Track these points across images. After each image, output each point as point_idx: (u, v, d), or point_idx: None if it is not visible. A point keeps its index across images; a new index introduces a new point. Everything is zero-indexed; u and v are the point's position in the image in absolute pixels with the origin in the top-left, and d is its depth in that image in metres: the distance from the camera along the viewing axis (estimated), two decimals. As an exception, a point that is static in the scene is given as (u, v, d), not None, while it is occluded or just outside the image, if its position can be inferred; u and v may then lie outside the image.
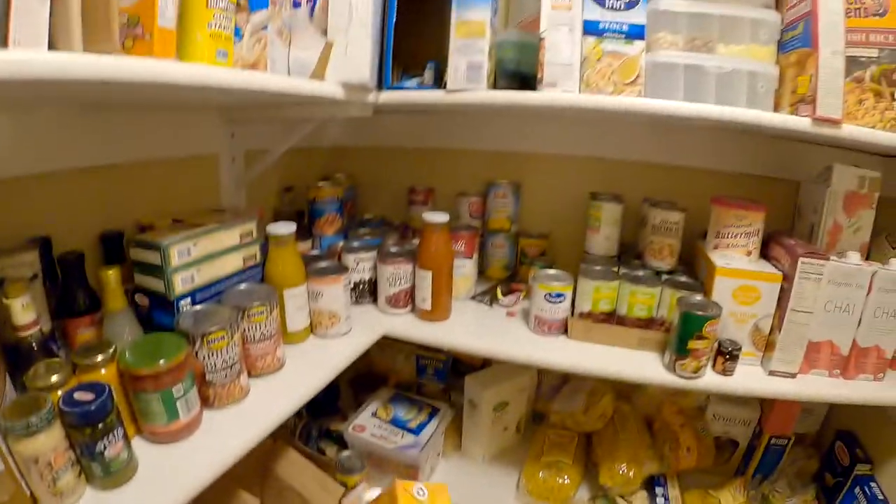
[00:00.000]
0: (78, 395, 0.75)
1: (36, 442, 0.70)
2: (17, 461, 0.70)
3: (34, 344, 0.81)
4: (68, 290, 0.96)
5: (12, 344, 0.81)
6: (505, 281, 1.63)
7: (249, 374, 1.06)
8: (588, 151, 1.62)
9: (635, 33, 1.06)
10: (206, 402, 0.97)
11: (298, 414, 1.56)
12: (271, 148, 1.41)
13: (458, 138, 1.74)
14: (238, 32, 0.89)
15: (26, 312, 0.79)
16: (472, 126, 1.71)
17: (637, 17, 1.06)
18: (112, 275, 0.92)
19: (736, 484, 1.43)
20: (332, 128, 1.80)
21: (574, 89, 1.08)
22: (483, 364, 1.72)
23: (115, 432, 0.77)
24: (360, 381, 1.82)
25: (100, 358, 0.83)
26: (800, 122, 0.98)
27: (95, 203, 1.12)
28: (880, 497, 1.25)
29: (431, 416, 1.56)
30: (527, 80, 1.12)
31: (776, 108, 1.06)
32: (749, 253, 1.23)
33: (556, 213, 1.68)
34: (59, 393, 0.76)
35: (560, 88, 1.07)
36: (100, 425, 0.75)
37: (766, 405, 1.49)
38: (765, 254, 1.26)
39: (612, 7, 1.05)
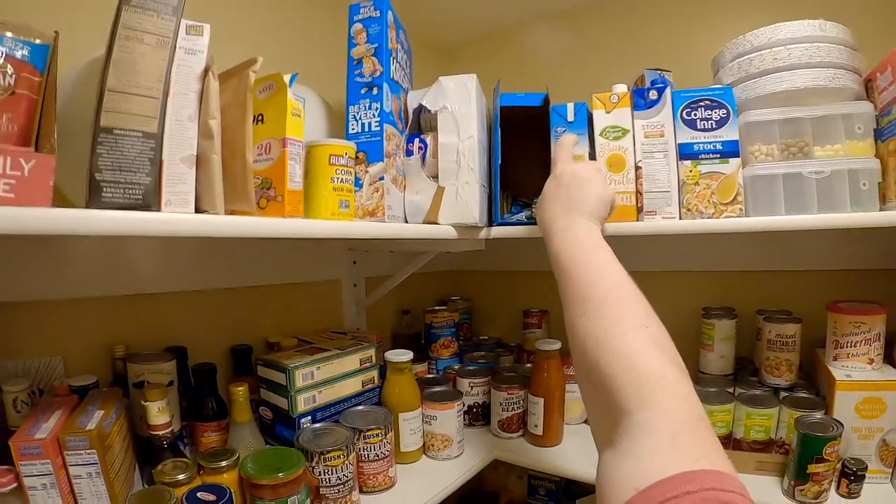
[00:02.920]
0: (201, 495, 0.85)
1: None
2: None
3: (165, 442, 0.93)
4: (199, 397, 1.09)
5: (145, 439, 0.93)
6: None
7: (361, 491, 1.12)
8: (698, 266, 1.61)
9: (730, 150, 1.07)
10: (319, 514, 1.03)
11: None
12: (391, 275, 1.52)
13: (573, 261, 1.78)
14: (358, 182, 1.02)
15: (162, 415, 0.91)
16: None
17: (729, 133, 1.07)
18: (241, 391, 1.03)
19: None
20: (448, 256, 1.90)
21: (674, 215, 1.10)
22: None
23: (230, 533, 0.85)
24: (471, 498, 1.82)
25: (224, 463, 0.92)
26: None
27: (228, 320, 1.28)
28: None
29: None
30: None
31: (883, 201, 1.01)
32: (871, 361, 1.15)
33: (670, 330, 1.64)
34: (184, 490, 0.85)
35: (660, 216, 1.10)
36: (216, 524, 0.82)
37: None
38: (890, 358, 1.18)
39: (703, 128, 1.08)
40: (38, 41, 0.70)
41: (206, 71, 0.75)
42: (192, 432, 1.08)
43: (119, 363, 1.07)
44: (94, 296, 1.08)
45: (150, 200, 0.68)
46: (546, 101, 1.28)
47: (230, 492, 0.87)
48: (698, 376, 1.43)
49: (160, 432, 0.91)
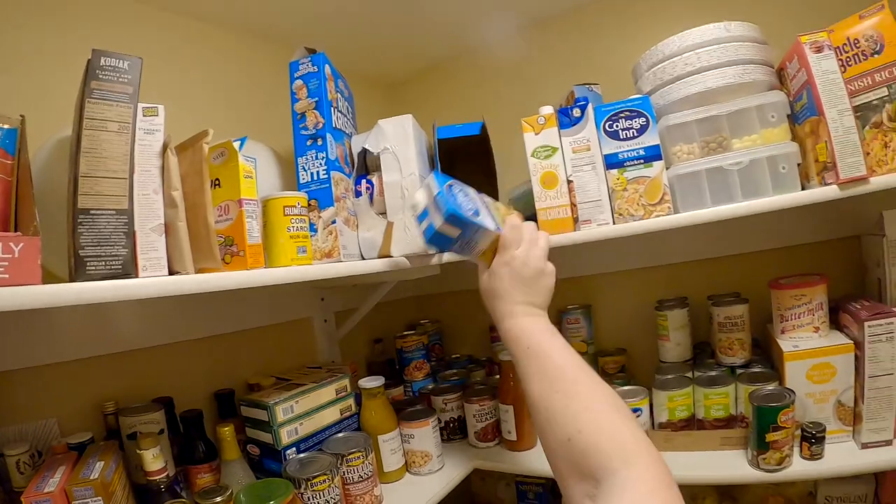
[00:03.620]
0: None
1: None
2: None
3: (162, 487, 0.99)
4: (189, 442, 1.16)
5: (143, 486, 0.99)
6: None
7: (350, 512, 1.19)
8: (649, 262, 1.69)
9: (652, 154, 1.15)
10: (310, 538, 1.10)
11: None
12: (358, 307, 1.60)
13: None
14: (313, 228, 1.11)
15: (156, 461, 0.97)
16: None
17: (650, 139, 1.15)
18: (228, 431, 1.11)
19: None
20: (410, 282, 1.97)
21: (608, 221, 1.18)
22: None
23: (234, 564, 0.92)
24: None
25: (219, 499, 0.99)
26: (827, 192, 1.00)
27: (209, 367, 1.35)
28: None
29: None
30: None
31: (805, 180, 1.08)
32: (817, 329, 1.21)
33: (630, 325, 1.72)
34: None
35: (595, 223, 1.19)
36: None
37: (878, 476, 1.33)
38: (836, 322, 1.24)
39: (626, 137, 1.16)
40: (5, 126, 0.78)
41: (164, 147, 0.85)
42: (186, 476, 1.15)
43: (111, 418, 1.14)
44: (82, 357, 1.16)
45: (128, 268, 0.78)
46: (483, 128, 1.38)
47: None
48: (659, 365, 1.50)
49: (157, 478, 0.97)
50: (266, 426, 1.18)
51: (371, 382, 1.34)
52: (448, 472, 1.39)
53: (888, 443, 1.11)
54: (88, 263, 0.75)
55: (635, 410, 1.33)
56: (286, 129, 1.22)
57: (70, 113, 0.82)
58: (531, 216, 1.28)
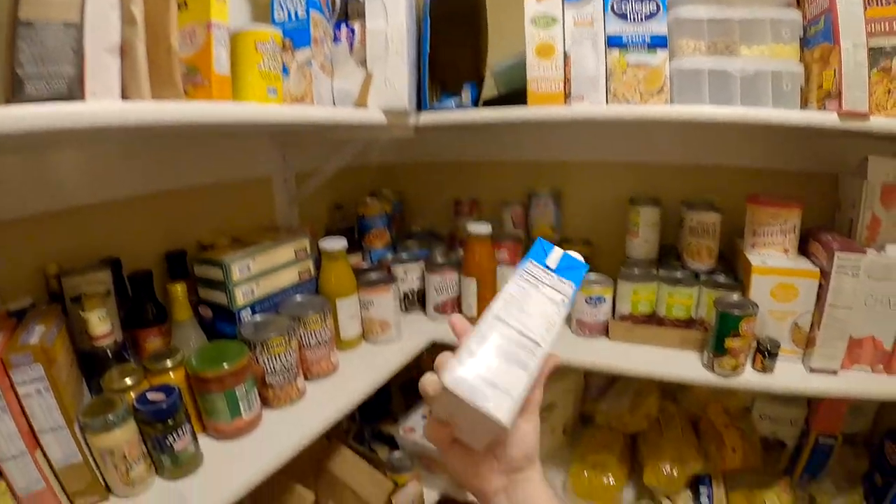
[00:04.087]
0: (150, 396, 0.86)
1: (112, 436, 0.80)
2: (93, 454, 0.81)
3: (108, 352, 0.92)
4: (138, 304, 1.07)
5: (88, 352, 0.92)
6: None
7: (306, 378, 1.16)
8: (626, 157, 1.64)
9: (658, 43, 1.09)
10: (265, 402, 1.06)
11: (352, 418, 1.65)
12: (321, 168, 1.50)
13: (500, 150, 1.80)
14: (286, 70, 0.99)
15: (102, 324, 0.89)
16: (514, 138, 1.77)
17: (658, 27, 1.08)
18: (179, 288, 1.03)
19: (782, 484, 1.41)
20: (378, 147, 1.87)
21: (601, 101, 1.12)
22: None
23: (183, 428, 0.87)
24: (412, 386, 1.86)
25: (169, 363, 0.93)
26: (826, 118, 0.98)
27: (160, 225, 1.24)
28: (932, 499, 1.23)
29: None
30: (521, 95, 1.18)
31: (804, 105, 1.06)
32: (786, 250, 1.23)
33: (598, 219, 1.70)
34: (132, 394, 0.86)
35: (588, 101, 1.13)
36: (169, 421, 0.85)
37: (812, 404, 1.46)
38: (804, 250, 1.25)
39: (633, 20, 1.09)
40: None
41: None
42: (134, 341, 1.07)
43: (53, 281, 1.01)
44: (20, 216, 1.01)
45: (74, 91, 0.66)
46: None
47: (178, 389, 0.88)
48: (625, 260, 1.49)
49: (103, 342, 0.90)
50: (221, 286, 1.10)
51: (332, 243, 1.27)
52: (406, 343, 1.38)
53: (834, 372, 1.17)
54: (28, 83, 0.62)
55: (599, 299, 1.33)
56: None
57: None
58: (514, 91, 1.22)
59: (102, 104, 0.67)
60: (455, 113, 1.27)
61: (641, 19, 1.09)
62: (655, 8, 1.08)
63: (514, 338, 0.55)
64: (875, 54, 0.96)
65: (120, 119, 0.67)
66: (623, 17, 1.10)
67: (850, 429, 1.48)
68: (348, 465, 1.30)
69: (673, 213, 1.50)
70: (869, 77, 0.97)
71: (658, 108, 1.09)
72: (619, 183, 1.65)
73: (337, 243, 1.28)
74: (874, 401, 1.41)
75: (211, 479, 0.90)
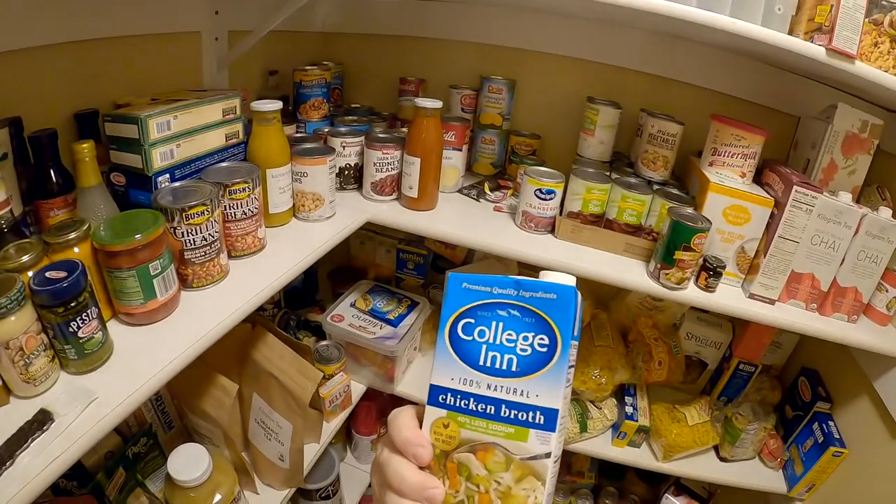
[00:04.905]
0: (50, 274, 0.72)
1: (6, 324, 0.67)
2: None
3: (4, 226, 0.77)
4: (40, 171, 0.91)
5: None
6: (493, 177, 1.61)
7: (230, 255, 1.05)
8: (588, 55, 1.57)
9: None
10: (184, 281, 0.95)
11: (277, 305, 1.58)
12: (256, 27, 1.32)
13: (454, 28, 1.67)
14: None
15: None
16: (469, 16, 1.64)
17: None
18: (86, 148, 0.87)
19: (701, 402, 1.49)
20: (321, 9, 1.70)
21: None
22: (464, 262, 1.71)
23: (89, 312, 0.75)
24: (340, 274, 1.83)
25: (72, 235, 0.79)
26: (814, 50, 0.95)
27: (69, 81, 1.05)
28: (836, 435, 1.34)
29: (410, 308, 1.57)
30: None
31: (790, 33, 1.01)
32: (743, 175, 1.22)
33: (551, 114, 1.64)
34: (30, 273, 0.73)
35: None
36: (72, 303, 0.72)
37: (738, 331, 1.54)
38: (757, 180, 1.26)
39: None
40: None
41: None
42: (37, 215, 0.92)
43: None
44: None
45: None
46: None
47: (82, 265, 0.75)
48: (576, 159, 1.45)
49: None
50: (136, 146, 0.94)
51: (266, 105, 1.12)
52: (339, 221, 1.28)
53: (771, 302, 1.21)
54: None
55: (549, 192, 1.28)
56: None
57: None
58: None
59: None
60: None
61: None
62: None
63: None
64: (871, 5, 0.96)
65: None
66: None
67: (767, 361, 1.60)
68: (274, 353, 1.21)
69: (630, 120, 1.47)
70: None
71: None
72: (579, 81, 1.59)
73: (271, 105, 1.12)
74: (800, 335, 1.48)
75: (122, 370, 0.79)
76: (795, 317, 1.18)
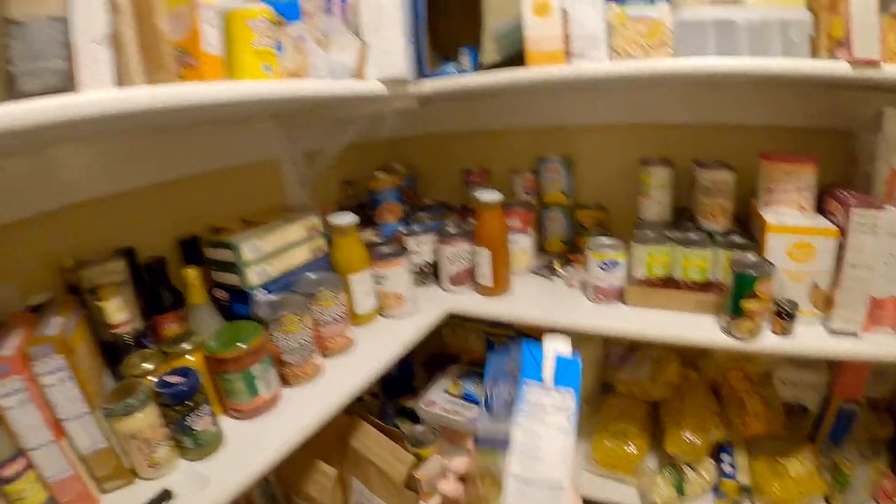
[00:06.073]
0: (169, 379, 0.87)
1: (134, 420, 0.82)
2: (118, 439, 0.83)
3: (128, 339, 0.94)
4: (154, 291, 1.09)
5: (109, 341, 0.94)
6: (563, 253, 1.66)
7: (323, 354, 1.17)
8: (634, 119, 1.61)
9: None
10: (284, 380, 1.08)
11: (375, 394, 1.67)
12: (328, 147, 1.50)
13: (508, 117, 1.77)
14: (280, 46, 0.98)
15: (119, 312, 0.91)
16: (520, 104, 1.74)
17: None
18: (192, 273, 1.05)
19: (804, 450, 1.39)
20: (384, 121, 1.86)
21: (603, 58, 1.10)
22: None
23: (203, 409, 0.89)
24: (434, 362, 1.89)
25: (187, 346, 0.95)
26: (838, 67, 0.95)
27: (171, 213, 1.25)
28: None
29: None
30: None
31: (814, 55, 1.02)
32: (802, 208, 1.20)
33: (610, 182, 1.68)
34: (153, 378, 0.88)
35: (588, 59, 1.10)
36: (189, 403, 0.87)
37: (834, 368, 1.42)
38: (820, 208, 1.21)
39: None
40: None
41: None
42: (154, 328, 1.09)
43: (70, 275, 1.03)
44: (33, 214, 1.02)
45: (67, 85, 0.66)
46: None
47: (196, 371, 0.90)
48: (638, 222, 1.46)
49: (122, 330, 0.93)
50: (233, 267, 1.11)
51: (343, 219, 1.27)
52: (422, 316, 1.37)
53: (855, 335, 1.12)
54: (21, 80, 0.64)
55: (613, 263, 1.31)
56: None
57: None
58: (516, 54, 1.19)
59: (98, 95, 0.68)
60: (455, 79, 1.26)
61: (639, -31, 1.05)
62: (652, -44, 1.05)
63: (539, 496, 0.55)
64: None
65: (112, 106, 0.67)
66: (618, -33, 1.06)
67: (872, 394, 1.44)
68: (370, 440, 1.31)
69: (685, 173, 1.47)
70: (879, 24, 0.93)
71: (661, 63, 1.06)
72: (628, 145, 1.63)
73: (347, 218, 1.28)
74: (897, 364, 1.39)
75: (232, 458, 0.91)
76: (885, 345, 1.10)
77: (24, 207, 1.01)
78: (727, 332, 1.16)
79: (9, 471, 0.74)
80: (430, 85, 1.26)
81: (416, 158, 1.97)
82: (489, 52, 1.33)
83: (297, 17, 1.03)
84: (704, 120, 1.53)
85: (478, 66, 1.28)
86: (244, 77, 0.89)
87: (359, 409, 1.40)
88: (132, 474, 0.87)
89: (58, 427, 0.78)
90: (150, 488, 0.85)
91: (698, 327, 1.21)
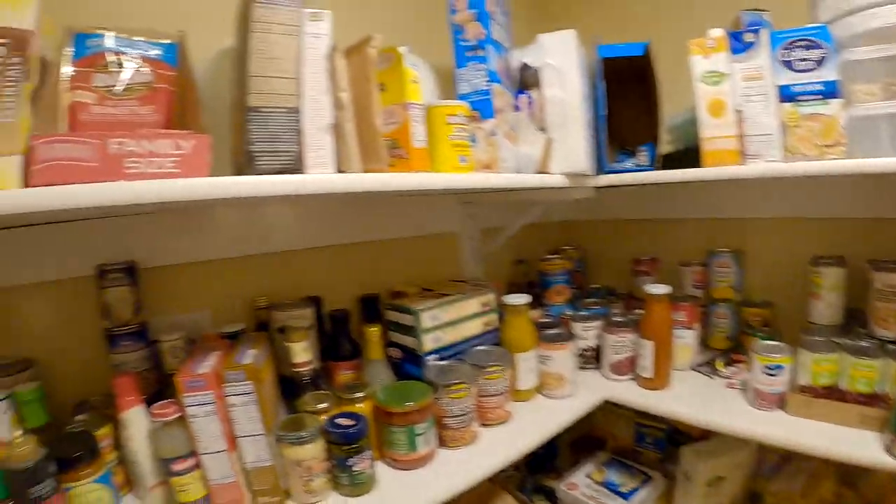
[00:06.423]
0: (340, 421, 0.99)
1: (303, 450, 0.94)
2: (283, 462, 0.96)
3: (306, 379, 1.07)
4: (335, 340, 1.24)
5: (288, 377, 1.09)
6: (727, 352, 1.60)
7: (481, 423, 1.23)
8: (808, 212, 1.55)
9: (830, 91, 1.05)
10: (441, 441, 1.15)
11: (517, 467, 1.69)
12: (505, 226, 1.61)
13: (679, 208, 1.80)
14: (474, 139, 1.11)
15: (304, 354, 1.05)
16: (692, 195, 1.76)
17: (828, 73, 1.05)
18: (375, 332, 1.18)
19: None
20: (558, 205, 1.94)
21: (777, 158, 1.10)
22: (701, 437, 1.69)
23: (365, 452, 0.99)
24: (580, 443, 1.87)
25: (360, 394, 1.07)
26: None
27: (355, 271, 1.43)
28: None
29: (644, 483, 1.56)
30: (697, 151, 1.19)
31: None
32: None
33: (781, 278, 1.61)
34: (323, 418, 1.00)
35: (763, 159, 1.12)
36: (354, 445, 0.97)
37: None
38: None
39: (802, 69, 1.07)
40: (166, 41, 0.89)
41: (331, 51, 0.88)
42: (328, 371, 1.23)
43: (262, 312, 1.24)
44: (236, 256, 1.26)
45: (297, 165, 0.82)
46: (647, 50, 1.31)
47: (365, 418, 1.01)
48: (806, 325, 1.40)
49: (303, 370, 1.06)
50: (411, 331, 1.23)
51: (517, 299, 1.34)
52: (579, 400, 1.39)
53: None
54: (258, 158, 0.80)
55: (777, 368, 1.25)
56: (437, 44, 1.23)
57: (225, 27, 0.89)
58: (690, 146, 1.23)
59: (322, 177, 0.85)
60: (633, 175, 1.31)
61: (811, 67, 1.07)
62: (824, 53, 1.06)
63: None
64: None
65: (337, 188, 0.84)
66: (791, 65, 1.09)
67: None
68: (508, 510, 1.34)
69: (859, 273, 1.37)
70: None
71: (837, 164, 1.05)
72: (800, 239, 1.57)
73: (521, 299, 1.34)
74: None
75: (381, 501, 1.00)
76: None
77: (231, 249, 1.25)
78: (890, 451, 1.05)
79: (180, 466, 0.90)
80: (609, 179, 1.33)
81: (587, 242, 2.03)
82: (664, 142, 1.37)
83: (490, 114, 1.15)
84: (881, 213, 1.44)
85: (654, 158, 1.32)
86: (442, 165, 1.03)
87: (501, 478, 1.43)
88: (286, 495, 0.98)
89: (232, 440, 0.93)
90: (298, 514, 0.97)
91: (860, 444, 1.11)
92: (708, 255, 1.67)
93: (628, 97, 1.35)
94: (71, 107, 0.81)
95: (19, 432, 0.87)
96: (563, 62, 1.23)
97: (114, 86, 0.84)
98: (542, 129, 1.25)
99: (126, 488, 0.99)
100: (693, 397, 1.37)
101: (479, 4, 1.16)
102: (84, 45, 0.84)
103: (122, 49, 0.86)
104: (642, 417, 1.72)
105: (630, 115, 1.35)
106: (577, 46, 1.25)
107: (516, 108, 1.27)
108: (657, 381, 1.41)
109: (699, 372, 1.52)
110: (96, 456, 0.88)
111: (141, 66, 0.86)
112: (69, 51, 0.83)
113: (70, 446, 0.86)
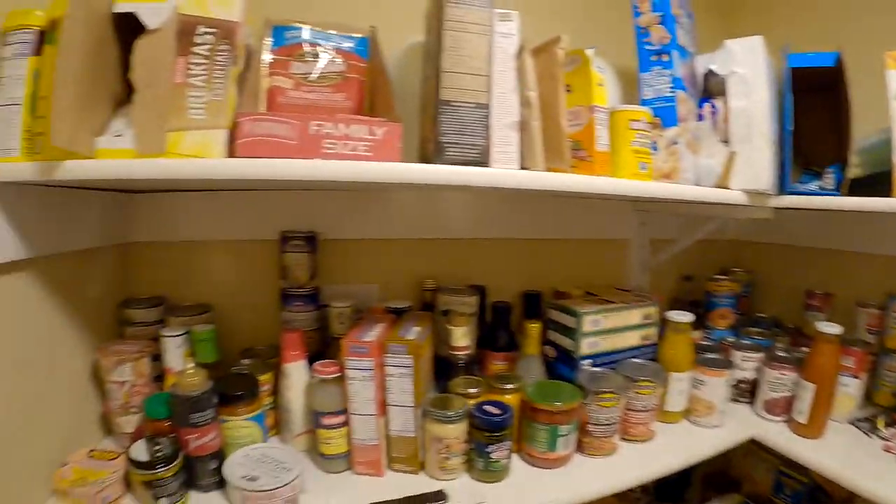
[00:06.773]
0: (487, 408, 1.03)
1: (447, 429, 0.99)
2: (425, 436, 1.02)
3: (461, 362, 1.12)
4: (494, 330, 1.28)
5: (444, 358, 1.15)
6: (891, 410, 1.42)
7: (622, 437, 1.21)
8: None
9: None
10: (579, 446, 1.15)
11: (646, 489, 1.65)
12: (676, 239, 1.57)
13: (863, 240, 1.61)
14: (654, 146, 1.09)
15: (464, 339, 1.11)
16: (878, 228, 1.56)
17: None
18: (536, 328, 1.21)
19: None
20: (733, 223, 1.85)
21: None
22: (846, 500, 1.54)
23: (505, 442, 1.02)
24: (713, 478, 1.79)
25: (510, 386, 1.09)
26: None
27: (522, 267, 1.46)
28: None
29: None
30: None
31: None
32: None
33: None
34: (471, 402, 1.04)
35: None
36: (497, 433, 1.00)
37: None
38: None
39: None
40: (358, 35, 0.99)
41: (519, 50, 0.91)
42: (481, 359, 1.26)
43: (428, 294, 1.31)
44: (409, 238, 1.34)
45: (484, 158, 0.86)
46: (839, 60, 1.21)
47: (512, 409, 1.03)
48: None
49: (460, 353, 1.12)
50: (570, 332, 1.24)
51: (681, 317, 1.30)
52: (725, 432, 1.31)
53: None
54: (447, 149, 0.84)
55: None
56: (617, 44, 1.22)
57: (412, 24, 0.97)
58: (882, 171, 1.13)
59: (507, 172, 0.89)
60: (818, 199, 1.22)
61: None
62: None
63: None
64: None
65: (521, 184, 0.88)
66: None
67: None
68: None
69: None
70: None
71: None
72: None
73: (685, 317, 1.30)
74: None
75: (511, 492, 1.02)
76: None
77: (404, 230, 1.34)
78: None
79: (330, 420, 1.00)
80: (791, 200, 1.25)
81: (758, 265, 1.91)
82: (852, 166, 1.26)
83: (673, 122, 1.13)
84: None
85: (841, 182, 1.23)
86: (623, 171, 1.03)
87: (627, 495, 1.40)
88: (420, 466, 1.05)
89: (382, 406, 1.01)
90: (430, 484, 1.02)
91: None
92: (888, 297, 1.49)
93: (815, 112, 1.24)
94: (270, 90, 0.92)
95: (191, 365, 1.01)
96: (750, 70, 1.17)
97: (309, 73, 0.94)
98: (725, 142, 1.20)
99: (274, 430, 1.11)
100: (844, 453, 1.24)
101: (664, 6, 1.13)
102: (282, 36, 0.95)
103: (318, 41, 0.96)
104: (786, 465, 1.60)
105: (816, 131, 1.26)
106: (765, 54, 1.19)
107: (699, 118, 1.22)
108: (811, 428, 1.30)
109: (857, 427, 1.36)
110: (255, 397, 1.00)
111: (335, 57, 0.96)
112: (269, 41, 0.95)
113: (234, 384, 0.99)
